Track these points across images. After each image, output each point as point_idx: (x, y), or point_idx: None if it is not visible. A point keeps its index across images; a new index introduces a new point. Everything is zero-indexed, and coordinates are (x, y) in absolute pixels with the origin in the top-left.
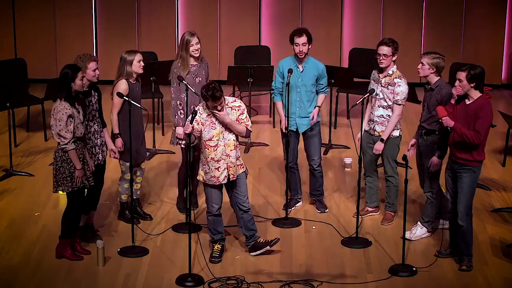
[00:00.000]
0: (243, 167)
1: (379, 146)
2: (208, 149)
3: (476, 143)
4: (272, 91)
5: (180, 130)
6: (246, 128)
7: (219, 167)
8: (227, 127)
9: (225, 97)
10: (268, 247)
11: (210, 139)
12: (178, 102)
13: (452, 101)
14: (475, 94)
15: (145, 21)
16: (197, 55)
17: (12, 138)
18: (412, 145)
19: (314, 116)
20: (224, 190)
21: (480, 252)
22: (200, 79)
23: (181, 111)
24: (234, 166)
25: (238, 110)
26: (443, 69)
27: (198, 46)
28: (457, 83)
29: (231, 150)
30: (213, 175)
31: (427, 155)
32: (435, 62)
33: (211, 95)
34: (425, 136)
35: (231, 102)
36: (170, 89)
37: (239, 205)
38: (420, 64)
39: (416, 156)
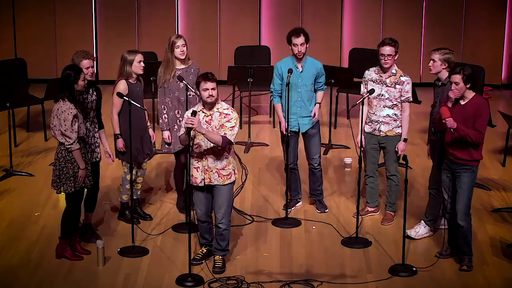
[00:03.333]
0: (230, 178)
1: (403, 146)
2: (192, 146)
3: (479, 142)
4: (271, 94)
5: (165, 135)
6: (223, 137)
7: (198, 167)
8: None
9: (222, 102)
10: (213, 273)
11: (195, 136)
12: (162, 106)
13: (449, 104)
14: (470, 94)
15: (145, 21)
16: (182, 57)
17: (12, 138)
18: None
19: (315, 112)
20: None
21: (480, 252)
22: (186, 83)
23: (165, 115)
24: (211, 172)
25: (226, 117)
26: (454, 63)
27: (184, 48)
28: (453, 86)
29: (209, 154)
30: (192, 174)
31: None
32: (446, 58)
33: (203, 75)
34: (439, 133)
35: (224, 109)
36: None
37: (214, 216)
38: (431, 61)
39: (431, 152)
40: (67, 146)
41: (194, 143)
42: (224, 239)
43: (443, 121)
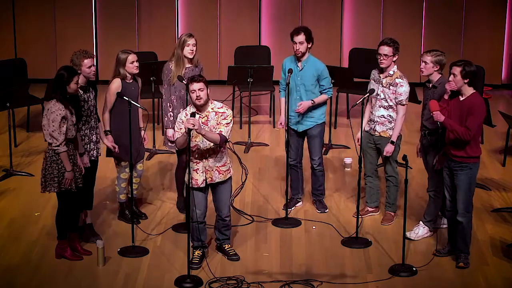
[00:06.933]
0: (229, 173)
1: (389, 148)
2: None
3: (466, 139)
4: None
5: (170, 133)
6: (220, 135)
7: (198, 169)
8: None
9: (214, 101)
10: (227, 257)
11: (191, 140)
12: (168, 104)
13: (446, 96)
14: (468, 91)
15: (145, 21)
16: (191, 56)
17: (12, 138)
18: (420, 149)
19: (302, 105)
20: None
21: (480, 252)
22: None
23: (171, 113)
24: (213, 170)
25: (222, 115)
26: (445, 65)
27: (194, 48)
28: (451, 77)
29: (210, 155)
30: (192, 177)
31: (432, 153)
32: (438, 60)
33: (190, 77)
34: (429, 136)
35: (218, 108)
36: (162, 90)
37: (217, 211)
38: (423, 63)
39: (422, 155)
40: (54, 148)
41: (192, 145)
42: (229, 228)
43: (431, 114)
